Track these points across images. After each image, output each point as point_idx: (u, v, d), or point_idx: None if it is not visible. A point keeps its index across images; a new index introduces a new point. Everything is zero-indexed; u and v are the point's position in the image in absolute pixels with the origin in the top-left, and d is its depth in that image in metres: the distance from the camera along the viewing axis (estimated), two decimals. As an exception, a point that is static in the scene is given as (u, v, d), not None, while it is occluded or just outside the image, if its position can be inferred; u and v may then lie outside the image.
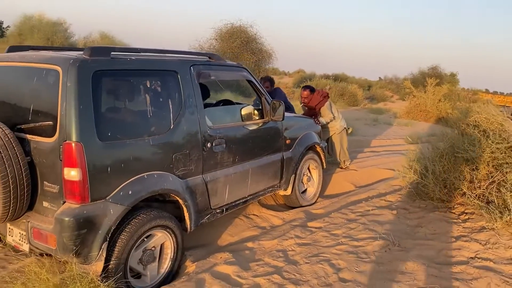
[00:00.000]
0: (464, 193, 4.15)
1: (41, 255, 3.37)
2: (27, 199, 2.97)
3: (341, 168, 6.60)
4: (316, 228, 4.26)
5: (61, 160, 2.80)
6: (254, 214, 4.81)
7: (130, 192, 3.03)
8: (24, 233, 3.08)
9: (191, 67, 3.67)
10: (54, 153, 2.84)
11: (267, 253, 3.72)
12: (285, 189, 4.87)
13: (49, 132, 2.89)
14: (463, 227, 3.87)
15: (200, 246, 4.02)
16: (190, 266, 3.56)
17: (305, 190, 5.31)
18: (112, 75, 3.08)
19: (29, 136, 3.00)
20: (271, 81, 6.46)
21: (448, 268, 3.21)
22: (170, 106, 3.41)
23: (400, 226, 4.11)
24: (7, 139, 2.86)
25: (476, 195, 3.93)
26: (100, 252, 2.88)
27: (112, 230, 2.93)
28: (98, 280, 2.78)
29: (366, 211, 4.65)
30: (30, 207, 3.05)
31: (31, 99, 3.08)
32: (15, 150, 2.86)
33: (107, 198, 2.92)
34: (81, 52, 3.13)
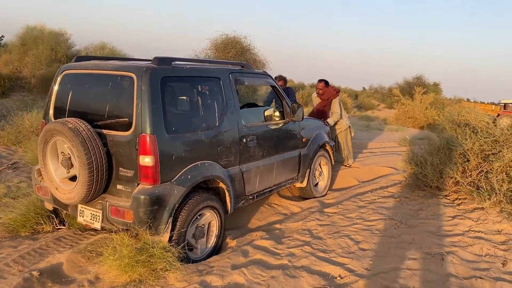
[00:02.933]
0: (458, 182, 4.87)
1: (110, 231, 3.99)
2: (104, 183, 3.59)
3: (345, 166, 7.31)
4: (332, 213, 4.94)
5: (137, 149, 3.44)
6: (275, 203, 5.48)
7: (189, 177, 3.68)
8: (96, 212, 3.70)
9: (230, 74, 4.35)
10: (130, 144, 3.48)
11: (294, 231, 4.38)
12: (301, 182, 5.55)
13: (124, 127, 3.53)
14: (458, 209, 4.59)
15: (234, 228, 4.66)
16: (231, 242, 4.21)
17: (317, 183, 5.99)
18: (174, 80, 3.74)
19: (104, 131, 3.63)
20: (285, 80, 7.19)
21: (447, 239, 3.91)
22: (216, 106, 4.08)
23: (404, 210, 4.81)
24: (90, 133, 3.49)
25: (467, 182, 4.65)
26: (167, 226, 3.52)
27: (176, 207, 3.56)
28: (169, 246, 3.40)
29: (373, 199, 5.36)
30: (104, 190, 3.67)
31: (106, 100, 3.71)
32: (97, 142, 3.49)
33: (172, 180, 3.57)
34: (149, 62, 3.78)
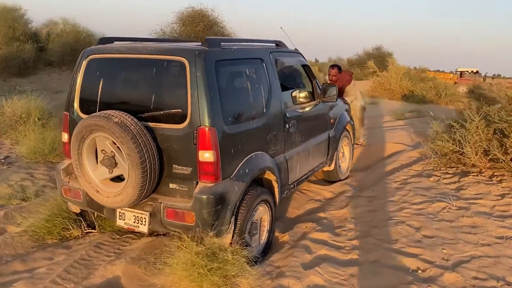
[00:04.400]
0: (493, 158, 4.79)
1: (157, 234, 3.62)
2: (156, 182, 3.18)
3: (357, 144, 7.14)
4: (370, 197, 4.75)
5: (195, 144, 3.04)
6: (305, 189, 5.23)
7: (246, 171, 3.34)
8: (142, 215, 3.31)
9: (270, 54, 3.98)
10: (186, 138, 3.07)
11: (343, 220, 4.16)
12: (329, 165, 5.31)
13: (176, 119, 3.11)
14: (502, 187, 4.51)
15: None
16: (282, 237, 3.93)
17: (340, 165, 5.77)
18: (225, 64, 3.33)
19: (151, 124, 3.19)
20: None
21: (509, 220, 3.81)
22: (262, 91, 3.71)
23: (443, 190, 4.67)
24: (138, 127, 3.05)
25: (510, 159, 4.57)
26: (229, 226, 3.18)
27: (237, 205, 3.23)
28: (238, 248, 3.09)
29: (404, 180, 5.20)
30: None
31: (150, 89, 3.26)
32: (147, 137, 3.06)
33: (231, 176, 3.22)
34: (198, 44, 3.35)
